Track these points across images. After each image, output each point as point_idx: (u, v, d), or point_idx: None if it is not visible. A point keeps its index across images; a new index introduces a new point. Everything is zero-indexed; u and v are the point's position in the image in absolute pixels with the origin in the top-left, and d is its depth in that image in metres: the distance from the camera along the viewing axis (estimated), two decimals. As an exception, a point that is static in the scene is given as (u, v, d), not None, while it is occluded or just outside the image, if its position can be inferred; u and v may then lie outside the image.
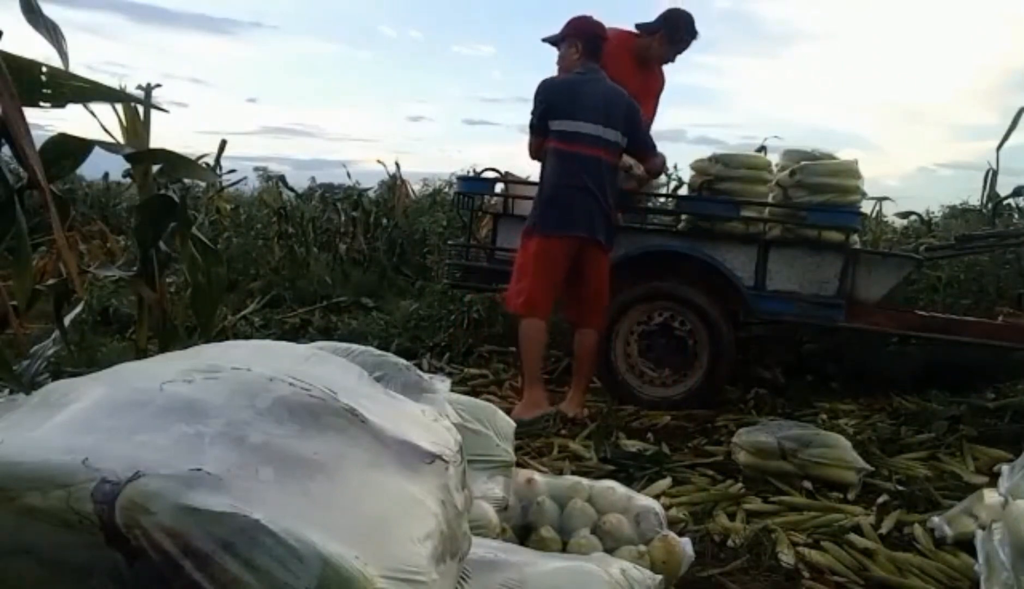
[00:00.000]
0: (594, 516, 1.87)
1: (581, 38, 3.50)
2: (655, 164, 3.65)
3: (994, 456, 2.92)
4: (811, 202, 3.64)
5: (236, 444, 0.86)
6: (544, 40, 3.70)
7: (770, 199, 3.84)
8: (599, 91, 3.43)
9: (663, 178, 7.25)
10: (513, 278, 3.50)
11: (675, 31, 3.88)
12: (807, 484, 2.67)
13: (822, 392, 3.93)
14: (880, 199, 6.77)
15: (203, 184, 6.69)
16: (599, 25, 3.56)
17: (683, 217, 4.09)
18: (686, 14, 3.90)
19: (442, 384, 1.38)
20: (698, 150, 9.61)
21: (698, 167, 3.97)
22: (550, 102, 3.43)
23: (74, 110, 1.64)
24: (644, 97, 3.88)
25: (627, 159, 3.66)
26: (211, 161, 6.16)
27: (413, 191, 8.54)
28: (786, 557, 2.12)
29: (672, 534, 1.84)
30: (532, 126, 3.49)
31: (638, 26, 3.94)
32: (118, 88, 1.84)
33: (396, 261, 7.12)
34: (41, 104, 1.52)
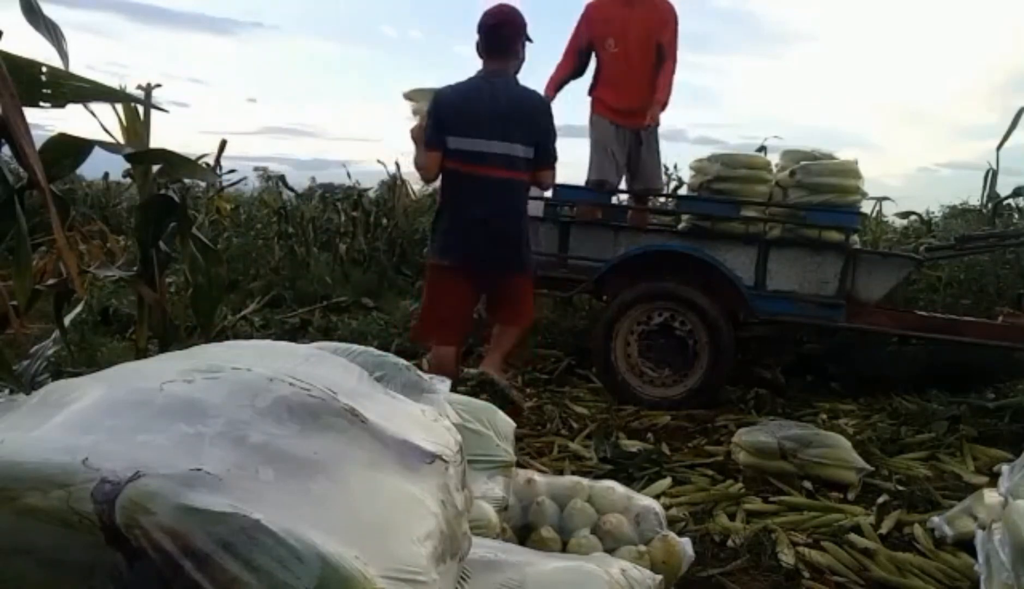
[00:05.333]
0: (594, 516, 1.87)
1: (480, 33, 3.05)
2: (545, 179, 3.19)
3: (994, 456, 2.93)
4: (811, 202, 3.64)
5: (236, 444, 0.86)
6: None
7: (770, 199, 3.84)
8: (500, 98, 2.97)
9: (663, 177, 7.30)
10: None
11: None
12: (807, 484, 2.68)
13: (822, 392, 3.93)
14: (880, 199, 6.77)
15: (203, 184, 6.68)
16: (497, 14, 3.05)
17: (683, 217, 4.10)
18: None
19: (442, 384, 1.37)
20: (698, 150, 9.63)
21: (698, 167, 3.98)
22: (443, 116, 2.97)
23: (74, 110, 1.65)
24: (657, 32, 4.06)
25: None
26: (211, 161, 6.13)
27: (413, 191, 8.53)
28: (786, 557, 2.12)
29: (672, 534, 1.85)
30: (426, 143, 3.01)
31: None
32: (118, 88, 1.85)
33: (396, 261, 7.12)
34: (41, 104, 1.53)
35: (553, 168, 3.18)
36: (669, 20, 4.13)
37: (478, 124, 2.97)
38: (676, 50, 4.15)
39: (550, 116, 3.14)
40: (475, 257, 3.03)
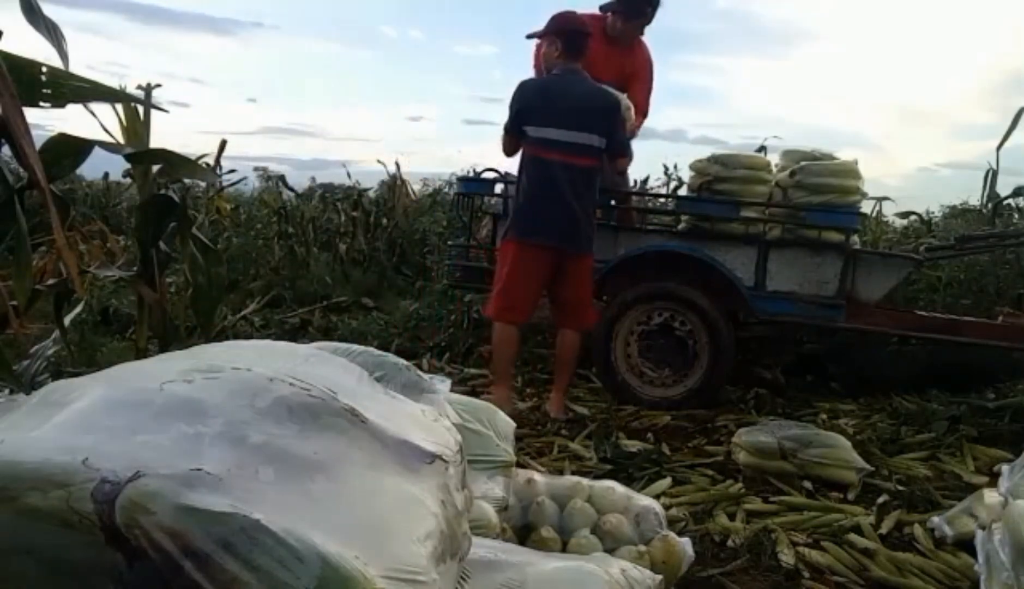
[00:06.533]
0: (594, 516, 1.87)
1: (561, 35, 3.38)
2: (621, 165, 3.60)
3: (994, 456, 2.93)
4: (811, 202, 3.64)
5: (236, 444, 0.86)
6: (529, 36, 3.63)
7: (770, 199, 3.84)
8: (576, 93, 3.34)
9: (663, 177, 7.31)
10: (495, 282, 3.49)
11: (627, 5, 3.92)
12: (807, 484, 2.67)
13: (822, 392, 3.93)
14: (880, 199, 6.77)
15: (203, 184, 6.68)
16: (581, 21, 3.46)
17: (683, 217, 4.09)
18: None
19: (442, 384, 1.38)
20: (698, 150, 9.63)
21: (697, 167, 3.97)
22: (524, 106, 3.34)
23: (74, 110, 1.65)
24: (624, 78, 3.93)
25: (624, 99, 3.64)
26: (211, 161, 6.14)
27: (413, 191, 8.54)
28: (786, 557, 2.12)
29: (672, 534, 1.85)
30: (506, 129, 3.39)
31: (601, 8, 3.99)
32: (118, 88, 1.85)
33: (396, 261, 7.12)
34: (41, 104, 1.53)
35: (626, 156, 3.58)
36: (642, 72, 4.06)
37: (557, 115, 3.30)
38: (648, 104, 4.08)
39: (619, 111, 3.47)
40: (557, 236, 3.33)
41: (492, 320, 3.47)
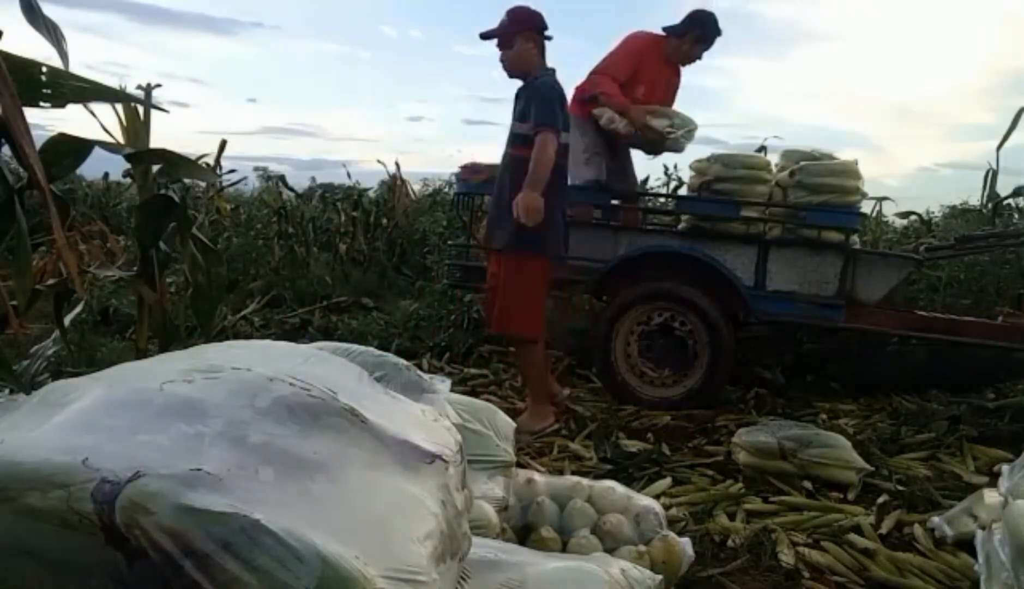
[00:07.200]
0: (594, 516, 1.87)
1: (535, 31, 3.15)
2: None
3: (994, 456, 2.93)
4: (811, 202, 3.64)
5: (236, 444, 0.86)
6: (483, 36, 3.26)
7: (770, 199, 3.84)
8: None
9: (663, 177, 7.30)
10: (516, 301, 3.18)
11: (705, 30, 4.03)
12: (807, 484, 2.67)
13: (822, 392, 3.93)
14: (880, 199, 6.77)
15: (203, 184, 6.69)
16: (542, 16, 3.22)
17: (683, 217, 4.09)
18: (711, 13, 4.05)
19: (442, 384, 1.38)
20: (699, 150, 9.57)
21: (697, 167, 3.97)
22: (560, 108, 3.10)
23: (74, 110, 1.65)
24: (672, 95, 4.18)
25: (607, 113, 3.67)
26: (211, 161, 6.14)
27: (413, 191, 8.54)
28: (786, 557, 2.12)
29: (672, 534, 1.85)
30: (555, 127, 3.02)
31: (665, 29, 4.07)
32: (118, 88, 1.85)
33: (396, 261, 7.12)
34: (41, 104, 1.53)
35: None
36: (678, 89, 4.24)
37: (567, 118, 3.14)
38: None
39: None
40: (564, 248, 3.28)
41: (531, 342, 3.25)
